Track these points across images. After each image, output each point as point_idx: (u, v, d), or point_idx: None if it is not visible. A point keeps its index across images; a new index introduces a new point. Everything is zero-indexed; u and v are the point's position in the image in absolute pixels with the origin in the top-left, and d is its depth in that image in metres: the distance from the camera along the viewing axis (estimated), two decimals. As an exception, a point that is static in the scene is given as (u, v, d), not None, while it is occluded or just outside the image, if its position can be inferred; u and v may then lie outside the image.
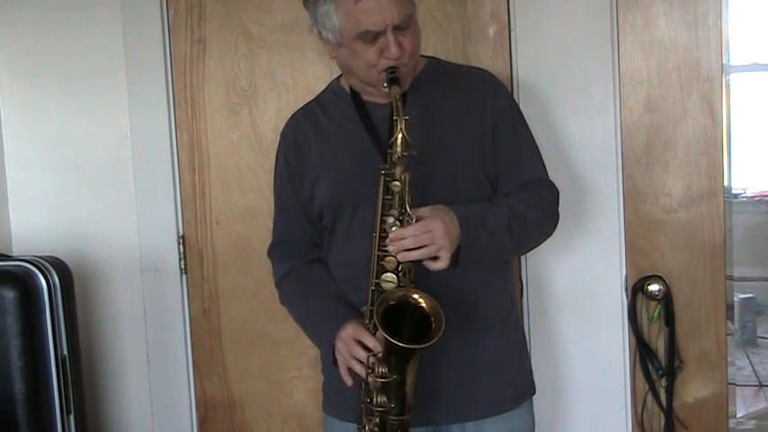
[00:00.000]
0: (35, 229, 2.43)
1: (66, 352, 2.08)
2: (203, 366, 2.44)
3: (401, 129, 1.63)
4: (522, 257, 2.25)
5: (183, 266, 2.41)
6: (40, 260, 2.08)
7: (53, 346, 2.05)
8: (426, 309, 1.64)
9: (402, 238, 1.63)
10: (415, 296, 1.65)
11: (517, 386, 1.90)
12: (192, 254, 2.41)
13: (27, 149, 2.45)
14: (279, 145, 1.97)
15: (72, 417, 2.09)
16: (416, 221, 1.64)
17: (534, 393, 1.94)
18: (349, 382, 1.71)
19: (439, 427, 1.85)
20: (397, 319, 1.64)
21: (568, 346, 2.28)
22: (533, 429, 1.93)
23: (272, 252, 2.00)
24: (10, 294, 2.00)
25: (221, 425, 2.45)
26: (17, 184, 2.46)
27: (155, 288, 2.42)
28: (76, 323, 2.15)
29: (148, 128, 2.38)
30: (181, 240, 2.41)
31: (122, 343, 2.46)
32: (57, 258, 2.13)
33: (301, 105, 1.99)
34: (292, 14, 2.29)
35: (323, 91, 1.97)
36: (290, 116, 1.99)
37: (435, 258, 1.65)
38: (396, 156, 1.64)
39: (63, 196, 2.44)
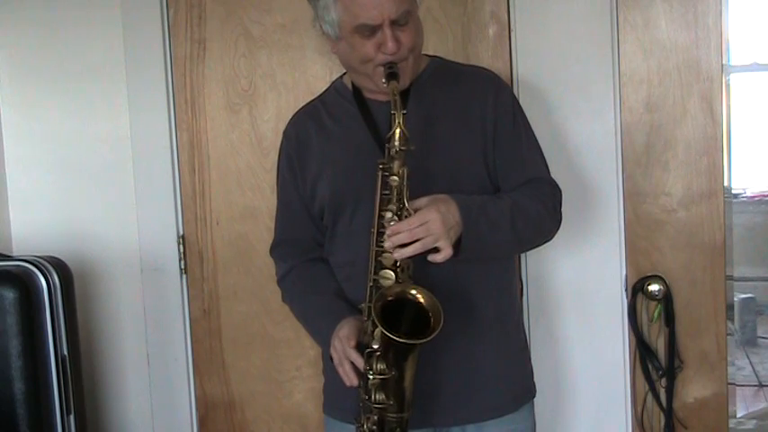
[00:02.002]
0: (35, 229, 2.43)
1: (66, 352, 2.08)
2: (203, 366, 2.44)
3: (399, 123, 1.63)
4: (523, 257, 2.25)
5: (183, 266, 2.41)
6: (40, 260, 2.08)
7: (53, 346, 2.05)
8: (424, 304, 1.63)
9: (398, 233, 1.62)
10: (413, 291, 1.64)
11: (518, 389, 1.89)
12: (191, 254, 2.41)
13: (27, 149, 2.45)
14: (281, 143, 1.97)
15: (72, 417, 2.09)
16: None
17: (535, 396, 1.93)
18: (347, 382, 1.70)
19: (439, 429, 1.84)
20: (396, 314, 1.63)
21: (568, 346, 2.28)
22: (534, 431, 1.93)
23: (274, 250, 2.00)
24: (10, 294, 1.99)
25: (221, 425, 2.45)
26: (17, 184, 2.46)
27: (155, 288, 2.42)
28: (76, 323, 2.15)
29: (148, 128, 2.38)
30: (181, 240, 2.41)
31: (122, 343, 2.46)
32: (57, 258, 2.13)
33: (302, 104, 2.00)
34: (292, 14, 2.29)
35: (326, 89, 1.97)
36: (291, 115, 1.99)
37: (437, 250, 1.64)
38: (394, 150, 1.64)
39: (63, 196, 2.44)
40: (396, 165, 1.65)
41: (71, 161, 2.43)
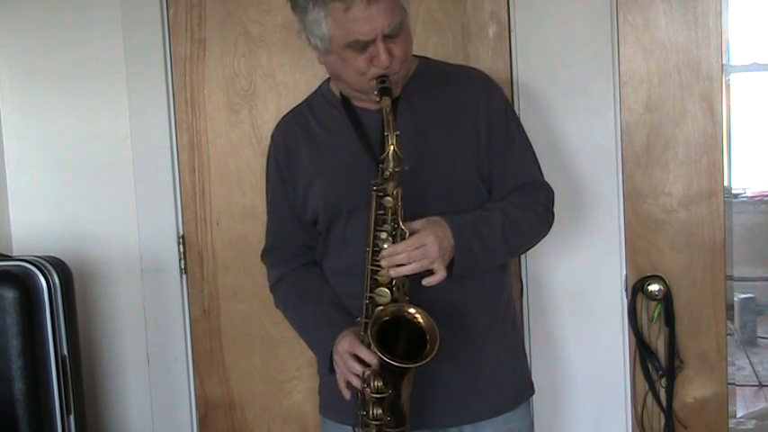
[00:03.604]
0: (35, 229, 2.43)
1: (66, 352, 2.08)
2: (203, 366, 2.44)
3: (392, 143, 1.61)
4: (522, 257, 2.25)
5: (183, 266, 2.41)
6: (40, 260, 2.08)
7: (53, 346, 2.05)
8: (421, 325, 1.63)
9: (395, 254, 1.62)
10: (411, 311, 1.64)
11: (515, 388, 1.88)
12: (191, 254, 2.41)
13: (27, 149, 2.45)
14: (269, 148, 1.94)
15: (72, 417, 2.09)
16: (409, 236, 1.62)
17: (533, 394, 1.93)
18: (347, 395, 1.70)
19: (436, 430, 1.83)
20: (393, 332, 1.63)
21: (568, 345, 2.28)
22: (532, 429, 1.93)
23: (266, 256, 1.98)
24: (10, 294, 1.99)
25: (221, 425, 2.45)
26: (17, 183, 2.46)
27: (155, 288, 2.42)
28: (76, 323, 2.15)
29: (148, 128, 2.38)
30: (181, 240, 2.41)
31: (122, 343, 2.46)
32: (57, 258, 2.13)
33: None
34: (292, 14, 2.28)
35: (313, 93, 1.94)
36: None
37: (430, 272, 1.63)
38: (387, 172, 1.62)
39: (63, 196, 2.44)
40: (390, 186, 1.63)
41: (71, 161, 2.43)
